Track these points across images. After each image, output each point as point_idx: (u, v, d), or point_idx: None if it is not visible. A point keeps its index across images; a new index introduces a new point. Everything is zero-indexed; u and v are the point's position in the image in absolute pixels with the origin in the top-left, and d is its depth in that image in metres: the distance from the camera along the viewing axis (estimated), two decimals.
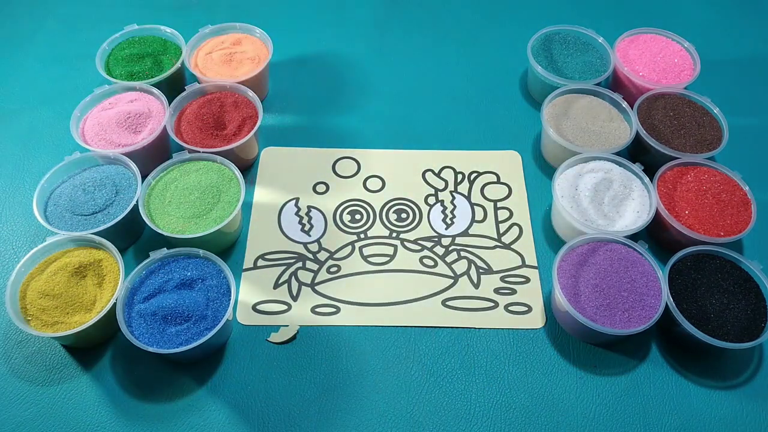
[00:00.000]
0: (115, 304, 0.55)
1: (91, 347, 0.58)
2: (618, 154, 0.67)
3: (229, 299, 0.56)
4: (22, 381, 0.57)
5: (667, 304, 0.57)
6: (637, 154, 0.71)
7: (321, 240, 0.66)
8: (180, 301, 0.55)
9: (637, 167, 0.66)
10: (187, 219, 0.61)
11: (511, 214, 0.69)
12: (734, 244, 0.65)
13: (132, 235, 0.65)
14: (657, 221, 0.64)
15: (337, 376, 0.57)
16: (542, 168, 0.73)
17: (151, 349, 0.52)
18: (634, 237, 0.62)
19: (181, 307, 0.55)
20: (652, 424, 0.55)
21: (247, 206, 0.69)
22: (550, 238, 0.67)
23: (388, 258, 0.65)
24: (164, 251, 0.59)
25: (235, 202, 0.63)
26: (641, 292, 0.57)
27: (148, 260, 0.58)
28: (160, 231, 0.60)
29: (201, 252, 0.59)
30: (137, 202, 0.62)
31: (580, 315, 0.55)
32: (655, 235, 0.66)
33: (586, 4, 0.93)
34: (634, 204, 0.64)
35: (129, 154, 0.65)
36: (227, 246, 0.65)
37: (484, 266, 0.65)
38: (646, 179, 0.65)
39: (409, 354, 0.59)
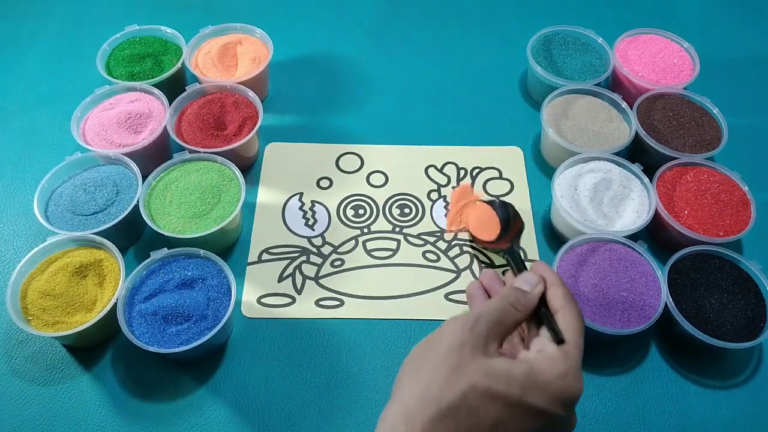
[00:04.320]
0: (115, 303, 0.55)
1: (92, 347, 0.58)
2: (617, 154, 0.68)
3: (230, 299, 0.56)
4: (22, 380, 0.57)
5: (666, 304, 0.57)
6: (636, 154, 0.71)
7: (325, 234, 0.67)
8: (180, 300, 0.55)
9: (637, 167, 0.66)
10: (188, 219, 0.62)
11: None
12: (734, 244, 0.65)
13: (133, 235, 0.65)
14: (656, 221, 0.64)
15: (337, 376, 0.57)
16: (542, 168, 0.73)
17: (151, 349, 0.53)
18: (634, 237, 0.62)
19: (182, 307, 0.55)
20: (652, 424, 0.55)
21: (251, 201, 0.69)
22: (550, 237, 0.67)
23: (392, 252, 0.65)
24: (165, 251, 0.59)
25: (235, 202, 0.63)
26: (641, 292, 0.57)
27: (148, 260, 0.58)
28: (160, 231, 0.60)
29: (201, 252, 0.59)
30: (138, 202, 0.62)
31: None
32: (655, 235, 0.66)
33: (585, 5, 0.93)
34: (633, 204, 0.64)
35: (130, 155, 0.66)
36: (227, 246, 0.65)
37: (487, 261, 0.65)
38: (646, 179, 0.65)
39: (410, 350, 0.59)
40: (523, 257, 0.63)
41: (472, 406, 0.36)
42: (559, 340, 0.40)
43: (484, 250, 0.66)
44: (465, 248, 0.66)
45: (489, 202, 0.66)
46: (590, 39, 0.79)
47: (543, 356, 0.39)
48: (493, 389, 0.36)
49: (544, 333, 0.42)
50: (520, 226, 0.63)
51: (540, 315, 0.43)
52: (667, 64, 0.76)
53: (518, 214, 0.63)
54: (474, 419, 0.36)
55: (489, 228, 0.63)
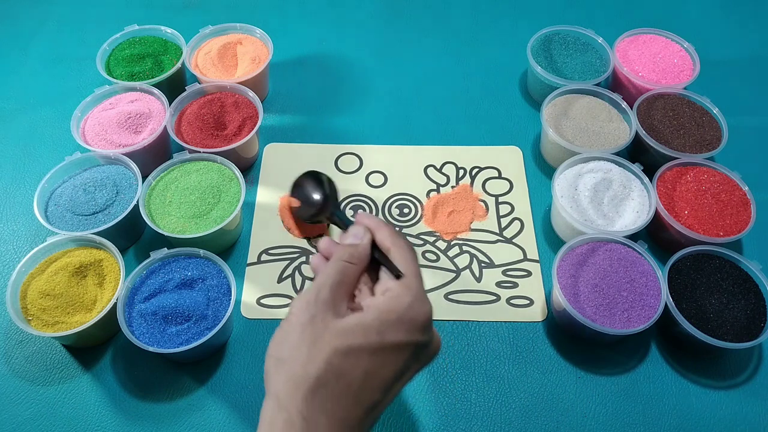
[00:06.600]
0: (115, 303, 0.55)
1: (92, 347, 0.58)
2: (617, 154, 0.68)
3: (230, 299, 0.56)
4: (22, 380, 0.57)
5: (666, 303, 0.57)
6: (636, 154, 0.71)
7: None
8: (180, 300, 0.55)
9: (637, 167, 0.66)
10: (188, 219, 0.62)
11: (513, 208, 0.69)
12: (734, 244, 0.65)
13: (133, 235, 0.65)
14: (656, 221, 0.64)
15: None
16: (542, 168, 0.73)
17: (151, 349, 0.53)
18: (634, 237, 0.62)
19: (182, 307, 0.55)
20: (652, 423, 0.55)
21: (250, 201, 0.69)
22: (550, 237, 0.67)
23: None
24: (165, 251, 0.59)
25: (235, 202, 0.63)
26: (641, 292, 0.57)
27: (148, 260, 0.58)
28: (160, 231, 0.60)
29: (201, 252, 0.59)
30: (138, 202, 0.62)
31: (580, 315, 0.55)
32: (655, 235, 0.66)
33: (585, 4, 0.93)
34: (633, 204, 0.64)
35: (129, 155, 0.66)
36: (227, 246, 0.65)
37: (486, 260, 0.65)
38: (646, 179, 0.65)
39: None
40: (345, 216, 0.53)
41: (339, 369, 0.37)
42: (397, 275, 0.42)
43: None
44: (464, 248, 0.66)
45: (297, 186, 0.56)
46: (590, 39, 0.79)
47: (389, 296, 0.40)
48: (354, 345, 0.37)
49: (385, 274, 0.43)
50: (334, 190, 0.56)
51: (376, 258, 0.44)
52: (667, 64, 0.76)
53: (330, 179, 0.55)
54: (344, 381, 0.37)
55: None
